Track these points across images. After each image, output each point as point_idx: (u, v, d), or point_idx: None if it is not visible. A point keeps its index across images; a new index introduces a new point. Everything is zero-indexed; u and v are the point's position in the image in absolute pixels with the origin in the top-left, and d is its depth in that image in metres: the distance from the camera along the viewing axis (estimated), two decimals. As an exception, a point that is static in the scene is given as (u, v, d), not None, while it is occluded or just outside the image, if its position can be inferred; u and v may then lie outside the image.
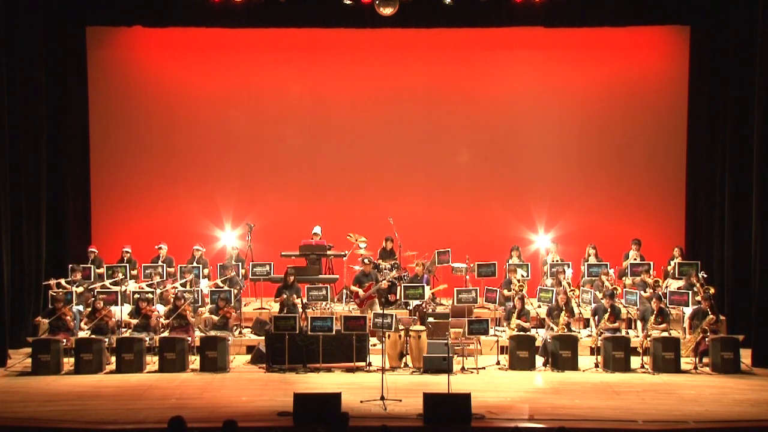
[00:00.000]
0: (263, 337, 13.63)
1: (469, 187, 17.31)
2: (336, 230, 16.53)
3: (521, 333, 13.53)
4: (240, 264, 15.56)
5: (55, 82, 15.75)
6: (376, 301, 14.84)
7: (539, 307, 14.34)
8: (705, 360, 13.28)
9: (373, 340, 13.64)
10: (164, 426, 10.28)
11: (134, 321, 13.77)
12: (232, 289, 14.49)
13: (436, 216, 17.20)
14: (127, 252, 15.64)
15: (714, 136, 15.71)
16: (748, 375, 13.03)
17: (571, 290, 14.47)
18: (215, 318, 13.81)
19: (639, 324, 13.87)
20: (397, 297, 14.93)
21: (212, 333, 13.59)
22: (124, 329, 13.71)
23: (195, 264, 15.46)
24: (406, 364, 13.20)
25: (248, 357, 13.85)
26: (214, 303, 14.01)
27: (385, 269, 15.60)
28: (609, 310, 13.57)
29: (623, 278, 15.42)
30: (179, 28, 16.61)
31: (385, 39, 16.87)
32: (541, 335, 13.64)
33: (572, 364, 13.15)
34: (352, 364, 13.20)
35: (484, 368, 13.17)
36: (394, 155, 17.32)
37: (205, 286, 15.08)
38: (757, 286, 13.69)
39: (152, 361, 13.40)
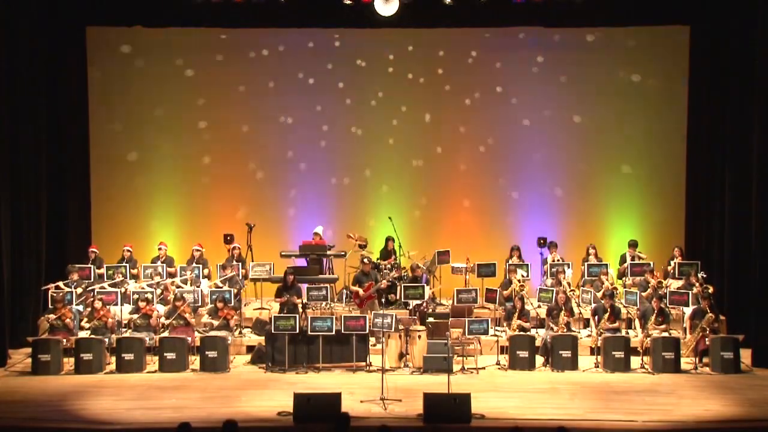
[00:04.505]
0: (263, 337, 13.63)
1: (468, 186, 17.30)
2: (336, 230, 16.53)
3: (521, 333, 13.53)
4: (240, 264, 15.56)
5: (55, 82, 15.74)
6: (376, 301, 14.84)
7: (539, 307, 14.35)
8: (705, 360, 13.28)
9: (372, 340, 13.63)
10: (164, 426, 10.36)
11: (134, 316, 13.77)
12: (232, 289, 14.49)
13: (436, 216, 17.20)
14: (128, 251, 15.65)
15: (714, 136, 15.70)
16: (748, 375, 13.03)
17: (571, 290, 14.47)
18: (215, 323, 13.76)
19: (638, 324, 13.84)
20: (397, 297, 14.93)
21: (212, 333, 13.58)
22: (124, 329, 13.71)
23: (195, 264, 15.46)
24: (406, 364, 13.20)
25: (248, 357, 13.85)
26: (213, 304, 14.01)
27: (385, 269, 15.60)
28: (609, 310, 13.57)
29: (623, 278, 15.40)
30: (179, 28, 16.61)
31: (385, 39, 16.87)
32: (541, 335, 13.64)
33: (572, 364, 13.15)
34: (352, 364, 13.20)
35: (484, 368, 13.17)
36: (394, 154, 17.31)
37: (205, 286, 15.08)
38: (757, 286, 13.68)
39: (152, 361, 13.39)
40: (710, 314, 13.36)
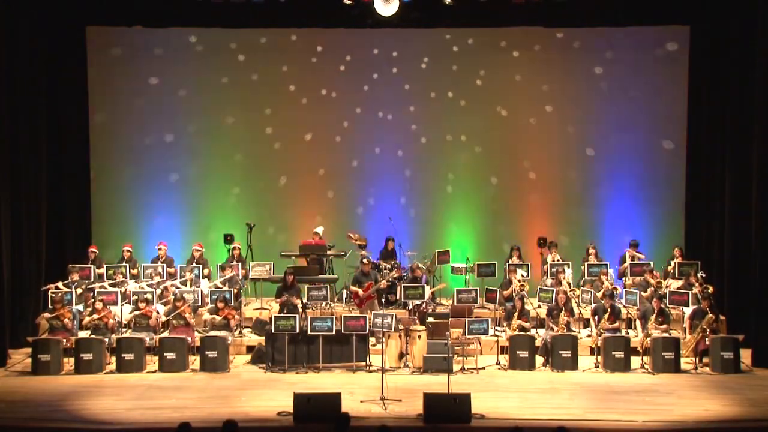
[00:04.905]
0: (263, 337, 13.63)
1: (468, 186, 17.30)
2: (336, 230, 16.54)
3: (521, 333, 13.53)
4: (240, 264, 15.56)
5: (55, 82, 15.74)
6: (376, 301, 14.84)
7: (539, 307, 14.35)
8: (705, 360, 13.28)
9: (372, 340, 13.62)
10: (164, 426, 10.36)
11: (137, 313, 13.79)
12: (232, 289, 14.49)
13: (436, 216, 17.21)
14: (128, 251, 15.65)
15: (714, 136, 15.70)
16: (748, 375, 13.02)
17: (571, 290, 14.48)
18: (217, 319, 13.76)
19: (639, 324, 13.84)
20: (397, 297, 14.93)
21: (212, 333, 13.57)
22: (124, 329, 13.71)
23: (195, 264, 15.45)
24: (406, 364, 13.20)
25: (248, 357, 13.85)
26: (213, 304, 14.01)
27: (386, 269, 15.60)
28: (609, 310, 13.57)
29: (623, 278, 15.40)
30: (179, 28, 16.62)
31: (385, 39, 16.87)
32: (541, 335, 13.64)
33: (572, 364, 13.15)
34: (352, 364, 13.20)
35: (484, 368, 13.17)
36: (394, 155, 17.32)
37: (205, 286, 15.08)
38: (757, 286, 13.68)
39: (152, 361, 13.39)
40: (710, 314, 13.35)
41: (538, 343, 13.48)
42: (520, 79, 17.13)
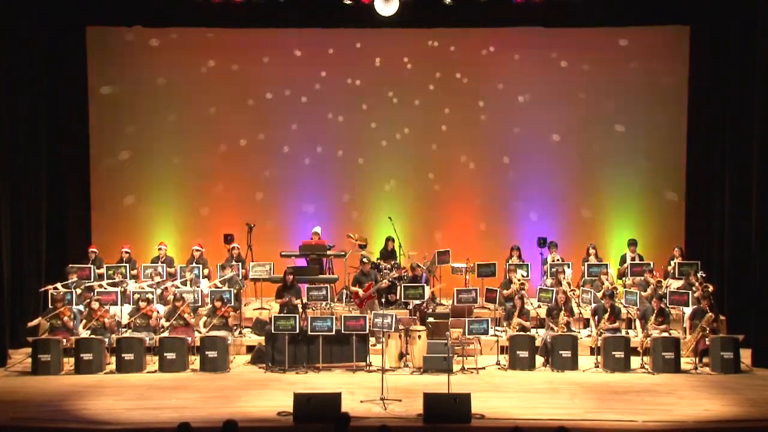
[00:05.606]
0: (263, 337, 13.63)
1: (468, 186, 17.30)
2: (336, 230, 16.53)
3: (521, 333, 13.53)
4: (240, 264, 15.56)
5: (55, 82, 15.73)
6: (376, 301, 14.84)
7: (539, 307, 14.35)
8: (705, 360, 13.28)
9: (372, 340, 13.62)
10: (164, 426, 10.36)
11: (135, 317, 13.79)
12: (232, 289, 14.48)
13: (435, 216, 17.20)
14: (127, 252, 15.64)
15: (714, 136, 15.70)
16: (748, 375, 13.03)
17: (571, 290, 14.47)
18: (203, 330, 13.73)
19: (639, 324, 13.84)
20: (397, 297, 14.93)
21: (212, 333, 13.57)
22: (123, 329, 13.70)
23: (195, 264, 15.45)
24: (406, 364, 13.20)
25: (248, 357, 13.85)
26: (211, 304, 14.00)
27: (386, 269, 15.60)
28: (609, 310, 13.57)
29: (623, 278, 15.40)
30: (179, 28, 16.62)
31: (385, 39, 16.87)
32: (541, 335, 13.64)
33: (572, 364, 13.15)
34: (352, 364, 13.20)
35: (484, 368, 13.17)
36: (394, 154, 17.31)
37: (205, 286, 15.08)
38: (757, 286, 13.68)
39: (152, 361, 13.39)
40: (710, 314, 13.36)
41: (538, 343, 13.49)
42: (520, 79, 17.08)
